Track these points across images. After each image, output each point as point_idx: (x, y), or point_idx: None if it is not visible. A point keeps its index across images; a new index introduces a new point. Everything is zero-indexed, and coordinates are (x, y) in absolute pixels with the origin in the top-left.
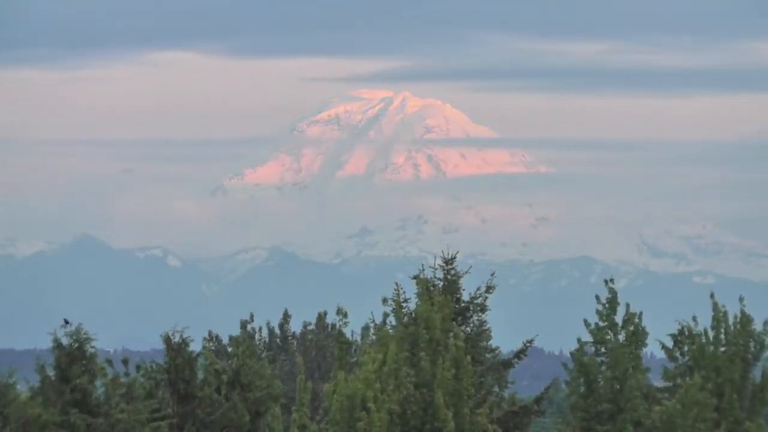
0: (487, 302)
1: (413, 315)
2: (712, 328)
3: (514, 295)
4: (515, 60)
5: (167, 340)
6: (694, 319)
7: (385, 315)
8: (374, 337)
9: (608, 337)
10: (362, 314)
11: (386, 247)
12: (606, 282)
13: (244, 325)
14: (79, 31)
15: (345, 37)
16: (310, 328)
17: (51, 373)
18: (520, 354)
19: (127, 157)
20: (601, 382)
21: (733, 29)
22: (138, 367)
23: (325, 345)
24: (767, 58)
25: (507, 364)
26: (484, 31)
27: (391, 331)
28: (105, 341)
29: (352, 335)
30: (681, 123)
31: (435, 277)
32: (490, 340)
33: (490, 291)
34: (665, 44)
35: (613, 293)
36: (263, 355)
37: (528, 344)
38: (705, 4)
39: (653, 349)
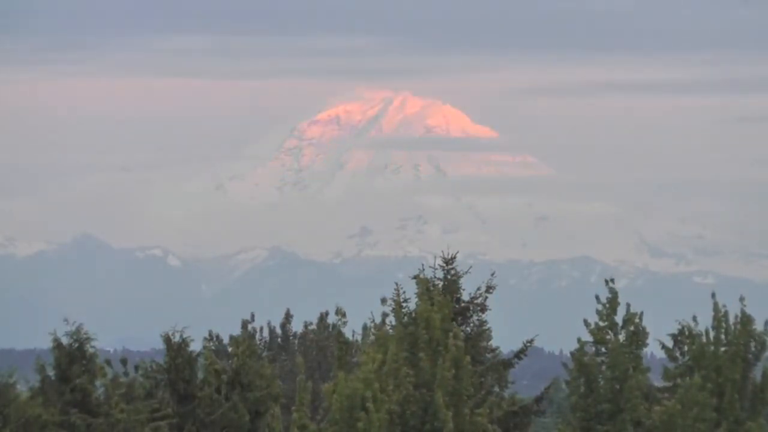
0: (487, 302)
1: (413, 315)
2: (713, 328)
3: (514, 295)
4: (514, 60)
5: (167, 340)
6: (694, 319)
7: (385, 315)
8: (373, 337)
9: (608, 337)
10: (362, 314)
11: (386, 247)
12: (606, 282)
13: (245, 324)
14: (75, 25)
15: (344, 37)
16: (311, 327)
17: (51, 373)
18: (520, 354)
19: (127, 156)
20: (601, 382)
21: None
22: (138, 367)
23: (325, 345)
24: None
25: (507, 364)
26: (481, 31)
27: (390, 331)
28: (105, 341)
29: (352, 335)
30: (681, 123)
31: (435, 277)
32: (490, 340)
33: (490, 291)
34: (672, 57)
35: (614, 293)
36: (263, 354)
37: (528, 344)
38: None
39: (653, 349)
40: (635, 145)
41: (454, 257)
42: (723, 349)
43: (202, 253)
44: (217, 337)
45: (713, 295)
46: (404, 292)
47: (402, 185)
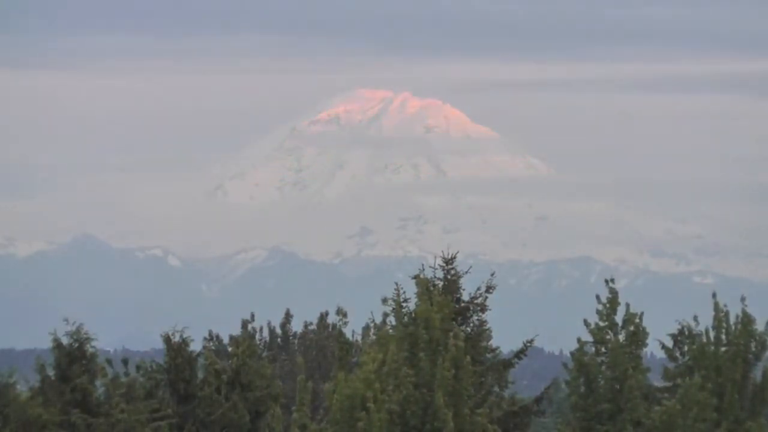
0: (487, 302)
1: (413, 315)
2: (713, 328)
3: (514, 295)
4: (514, 60)
5: (167, 340)
6: (695, 319)
7: (385, 315)
8: (374, 336)
9: (608, 337)
10: (362, 314)
11: (386, 247)
12: (606, 282)
13: (245, 324)
14: (75, 25)
15: (344, 37)
16: (311, 327)
17: (51, 373)
18: (520, 354)
19: (127, 156)
20: (601, 382)
21: None
22: (138, 367)
23: (325, 345)
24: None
25: (507, 364)
26: (478, 31)
27: (391, 331)
28: (105, 341)
29: (352, 335)
30: (681, 123)
31: (435, 277)
32: (490, 340)
33: (490, 291)
34: (688, 49)
35: (614, 293)
36: (263, 354)
37: (528, 344)
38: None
39: (653, 349)
40: (635, 145)
41: (454, 257)
42: (723, 349)
43: (202, 253)
44: (217, 337)
45: (714, 295)
46: (404, 292)
47: (402, 185)
